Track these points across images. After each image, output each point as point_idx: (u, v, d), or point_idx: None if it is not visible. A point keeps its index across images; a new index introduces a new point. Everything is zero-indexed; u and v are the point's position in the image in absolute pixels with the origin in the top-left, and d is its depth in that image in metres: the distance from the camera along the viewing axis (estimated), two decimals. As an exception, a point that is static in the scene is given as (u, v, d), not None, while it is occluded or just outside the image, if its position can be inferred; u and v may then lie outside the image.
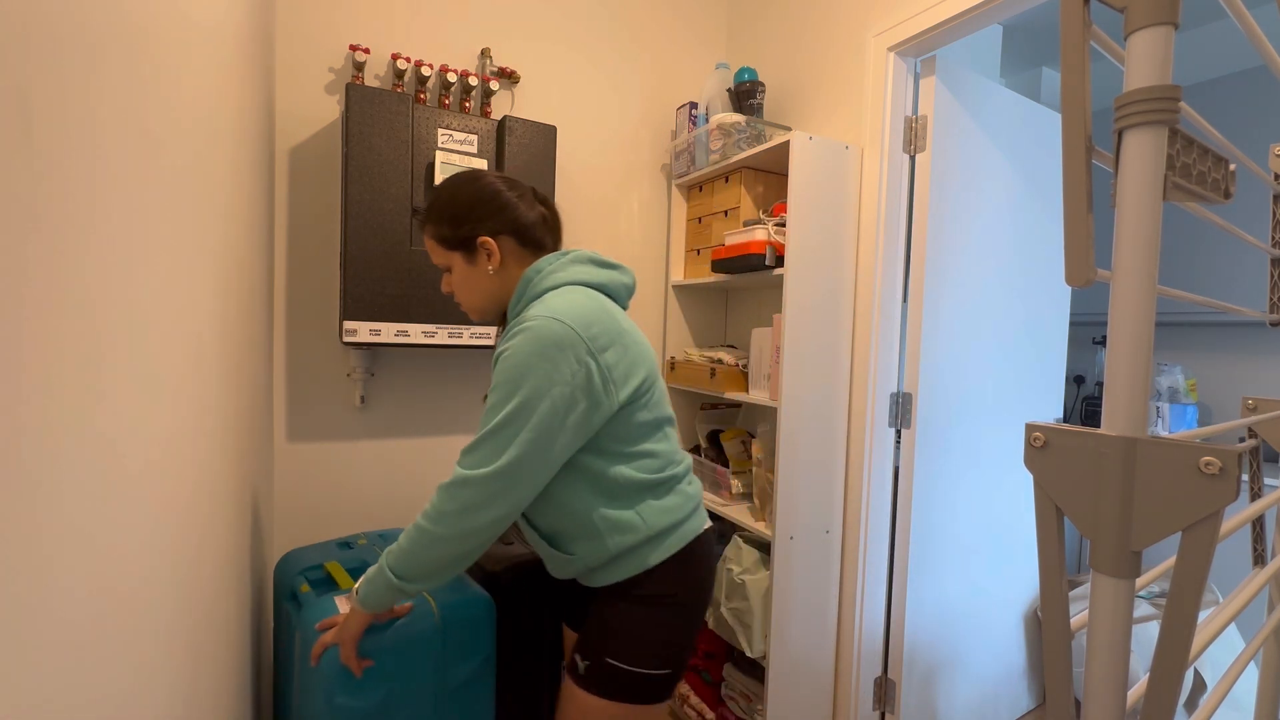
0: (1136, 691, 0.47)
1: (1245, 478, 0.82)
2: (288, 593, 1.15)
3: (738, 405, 2.07)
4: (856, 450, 1.62)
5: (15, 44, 0.26)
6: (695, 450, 1.99)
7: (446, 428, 1.79)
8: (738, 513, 1.73)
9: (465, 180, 1.01)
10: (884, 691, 1.67)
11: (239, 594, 0.96)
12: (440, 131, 1.55)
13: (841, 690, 1.67)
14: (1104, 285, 0.44)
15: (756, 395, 1.65)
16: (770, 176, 1.77)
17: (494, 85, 1.70)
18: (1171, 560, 0.54)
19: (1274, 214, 0.85)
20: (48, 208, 0.29)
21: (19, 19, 0.26)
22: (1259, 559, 0.87)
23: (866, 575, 1.63)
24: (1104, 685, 0.44)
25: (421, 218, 1.02)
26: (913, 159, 1.60)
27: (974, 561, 1.80)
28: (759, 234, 1.59)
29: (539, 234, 1.02)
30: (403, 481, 1.73)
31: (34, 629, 0.28)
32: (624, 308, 1.05)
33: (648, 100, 2.05)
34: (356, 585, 0.92)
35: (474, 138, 1.60)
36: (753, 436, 1.81)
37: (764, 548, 1.62)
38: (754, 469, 1.71)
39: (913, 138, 1.59)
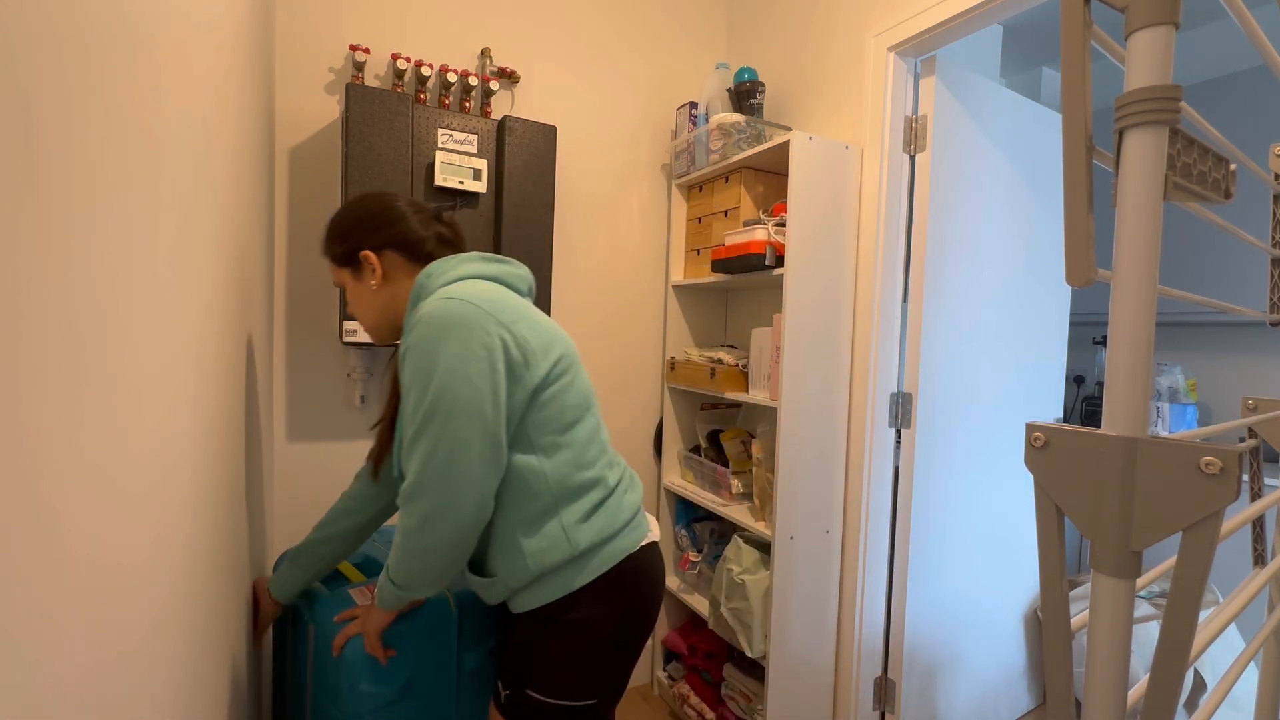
0: (1136, 691, 0.47)
1: (1245, 478, 0.82)
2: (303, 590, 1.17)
3: (738, 405, 2.07)
4: (856, 450, 1.62)
5: (15, 44, 0.26)
6: (695, 450, 1.99)
7: (446, 428, 1.78)
8: (738, 513, 1.73)
9: (359, 197, 1.03)
10: (884, 691, 1.67)
11: (239, 591, 0.96)
12: (440, 131, 1.55)
13: (841, 690, 1.67)
14: (1104, 285, 0.44)
15: (756, 395, 1.65)
16: (770, 176, 1.77)
17: (494, 85, 1.70)
18: (1171, 560, 0.54)
19: (1274, 214, 0.85)
20: (47, 207, 0.29)
21: (19, 18, 0.26)
22: (1259, 559, 0.87)
23: (866, 575, 1.63)
24: (1104, 685, 0.44)
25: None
26: (913, 159, 1.60)
27: (974, 561, 1.80)
28: (759, 234, 1.59)
29: (429, 249, 0.99)
30: (403, 481, 1.73)
31: (35, 629, 0.28)
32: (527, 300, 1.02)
33: (648, 100, 2.05)
34: (376, 589, 0.93)
35: (474, 138, 1.60)
36: (753, 436, 1.81)
37: (764, 548, 1.62)
38: (754, 469, 1.71)
39: (913, 138, 1.59)
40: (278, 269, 1.57)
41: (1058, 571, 0.47)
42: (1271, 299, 0.84)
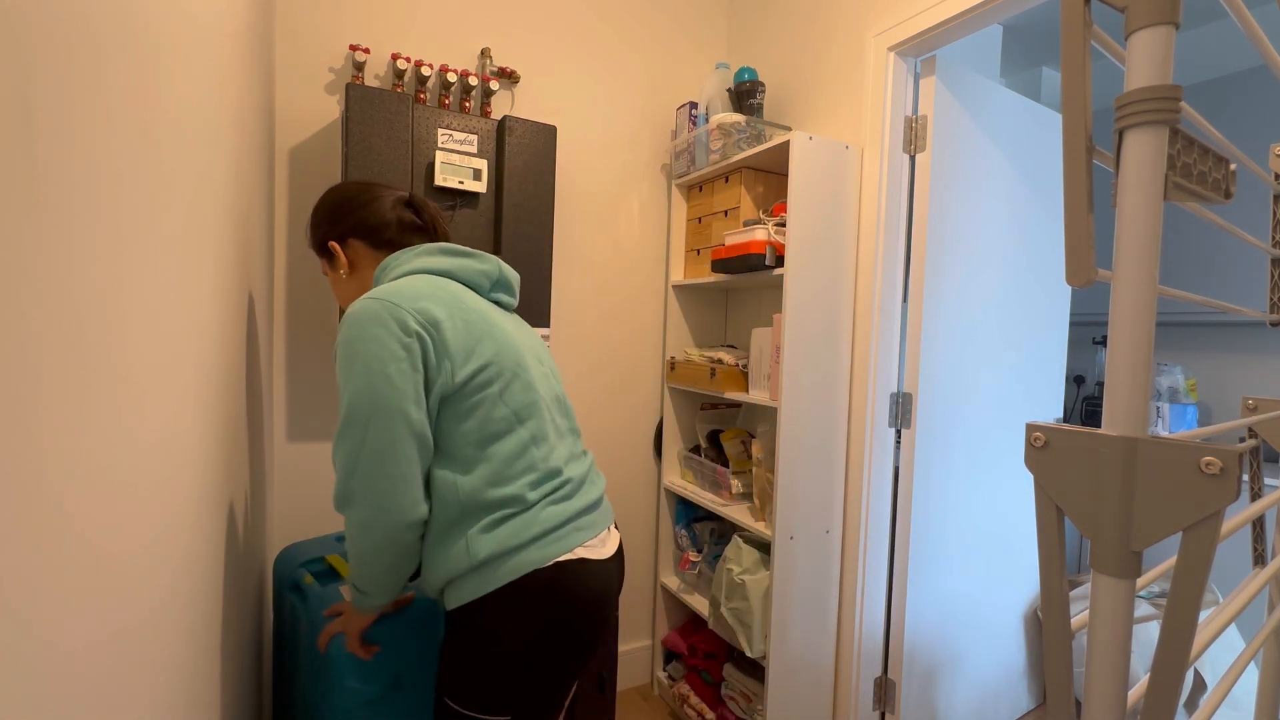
0: (1136, 691, 0.47)
1: (1245, 478, 0.82)
2: (289, 584, 1.17)
3: (738, 405, 2.07)
4: (856, 450, 1.62)
5: (16, 43, 0.26)
6: (695, 450, 1.99)
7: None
8: (738, 513, 1.73)
9: (331, 188, 1.03)
10: (884, 691, 1.67)
11: (240, 587, 0.96)
12: (440, 131, 1.55)
13: (841, 690, 1.67)
14: (1104, 285, 0.44)
15: (756, 395, 1.65)
16: (770, 176, 1.77)
17: (494, 85, 1.70)
18: (1171, 560, 0.54)
19: (1274, 214, 0.85)
20: (48, 207, 0.29)
21: (20, 17, 0.26)
22: (1259, 559, 0.87)
23: (866, 575, 1.63)
24: (1104, 685, 0.44)
25: None
26: (913, 159, 1.60)
27: (974, 561, 1.80)
28: (759, 234, 1.59)
29: (392, 234, 0.98)
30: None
31: (35, 627, 0.28)
32: (493, 298, 0.99)
33: (648, 100, 2.05)
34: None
35: (474, 138, 1.60)
36: (753, 436, 1.81)
37: (764, 548, 1.62)
38: (754, 469, 1.71)
39: (913, 138, 1.58)
40: (278, 269, 1.57)
41: (1058, 571, 0.47)
42: (1271, 299, 0.84)
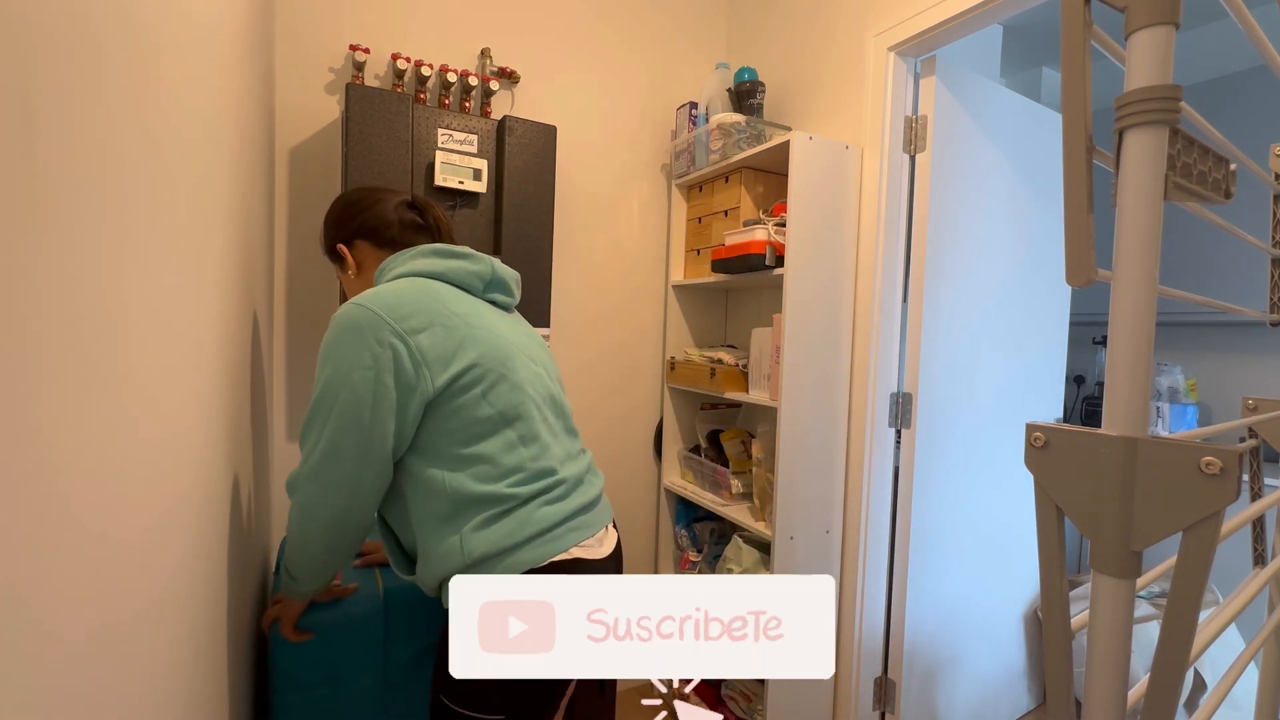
0: (1136, 691, 0.47)
1: (1245, 478, 0.82)
2: (276, 567, 1.21)
3: (738, 405, 2.07)
4: (856, 450, 1.62)
5: (16, 43, 0.26)
6: (695, 450, 1.99)
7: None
8: (738, 513, 1.73)
9: (339, 195, 1.07)
10: (884, 691, 1.67)
11: (243, 577, 0.97)
12: (440, 131, 1.55)
13: (841, 690, 1.66)
14: (1104, 285, 0.44)
15: (756, 395, 1.65)
16: (770, 176, 1.77)
17: (494, 85, 1.70)
18: (1171, 560, 0.54)
19: (1274, 214, 0.85)
20: (48, 207, 0.29)
21: (20, 17, 0.26)
22: (1259, 559, 0.87)
23: (866, 575, 1.63)
24: (1104, 685, 0.44)
25: None
26: (913, 159, 1.60)
27: (974, 561, 1.80)
28: (759, 234, 1.59)
29: (394, 234, 1.00)
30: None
31: (37, 626, 0.28)
32: (489, 298, 1.00)
33: (648, 100, 2.05)
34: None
35: (474, 138, 1.60)
36: (753, 436, 1.81)
37: (764, 548, 1.62)
38: (754, 469, 1.71)
39: (913, 138, 1.58)
40: (278, 269, 1.57)
41: (1058, 571, 0.47)
42: (1271, 299, 0.84)
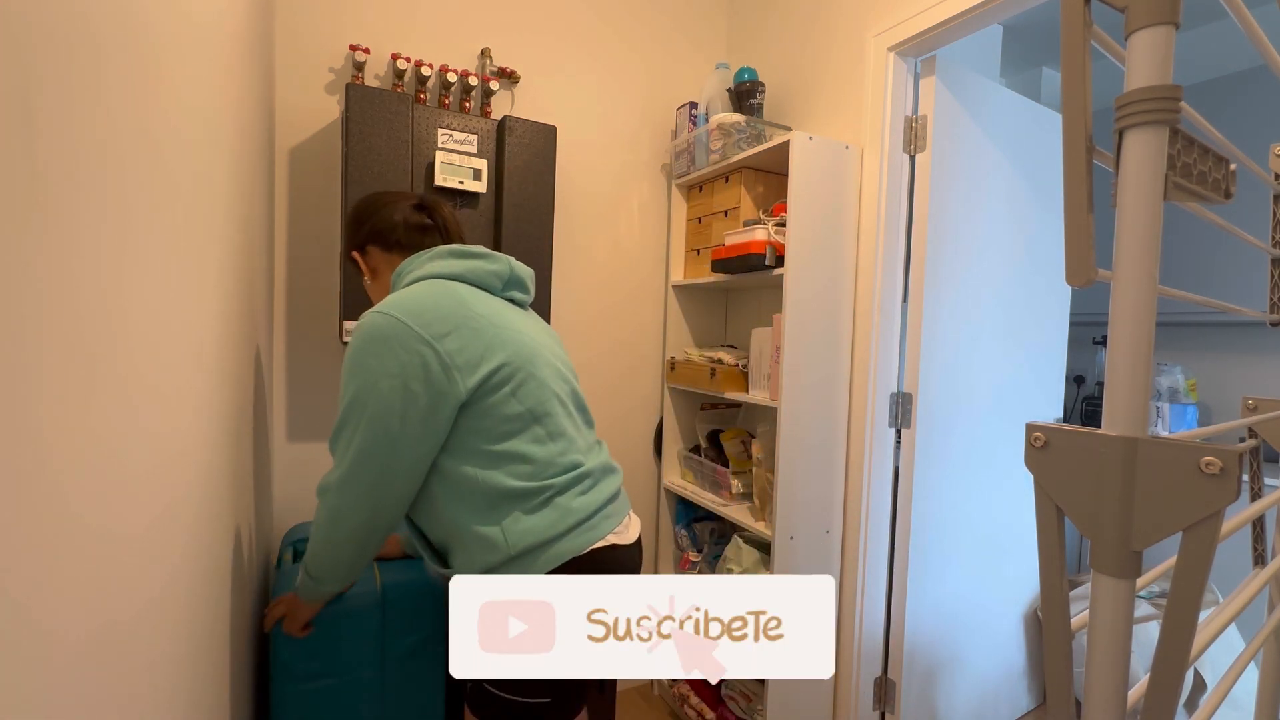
0: (1136, 691, 0.47)
1: (1245, 478, 0.82)
2: (278, 560, 1.26)
3: (738, 405, 2.07)
4: (856, 450, 1.62)
5: (16, 43, 0.26)
6: (695, 450, 1.99)
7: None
8: (738, 513, 1.73)
9: (354, 202, 1.09)
10: (884, 691, 1.67)
11: (244, 574, 0.97)
12: (440, 131, 1.55)
13: (841, 690, 1.66)
14: (1104, 285, 0.44)
15: (756, 395, 1.65)
16: (770, 176, 1.77)
17: (494, 85, 1.70)
18: (1171, 560, 0.54)
19: (1274, 214, 0.85)
20: (48, 207, 0.29)
21: (20, 17, 0.26)
22: (1259, 559, 0.87)
23: (866, 575, 1.63)
24: (1104, 685, 0.44)
25: None
26: (913, 159, 1.60)
27: (974, 561, 1.80)
28: (759, 234, 1.59)
29: (400, 236, 1.01)
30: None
31: (38, 625, 0.28)
32: (508, 296, 1.01)
33: (648, 100, 2.05)
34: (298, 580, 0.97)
35: (474, 138, 1.60)
36: (753, 436, 1.81)
37: (764, 548, 1.62)
38: (754, 469, 1.71)
39: (913, 138, 1.58)
40: (278, 269, 1.57)
41: (1058, 571, 0.47)
42: (1271, 299, 0.84)
